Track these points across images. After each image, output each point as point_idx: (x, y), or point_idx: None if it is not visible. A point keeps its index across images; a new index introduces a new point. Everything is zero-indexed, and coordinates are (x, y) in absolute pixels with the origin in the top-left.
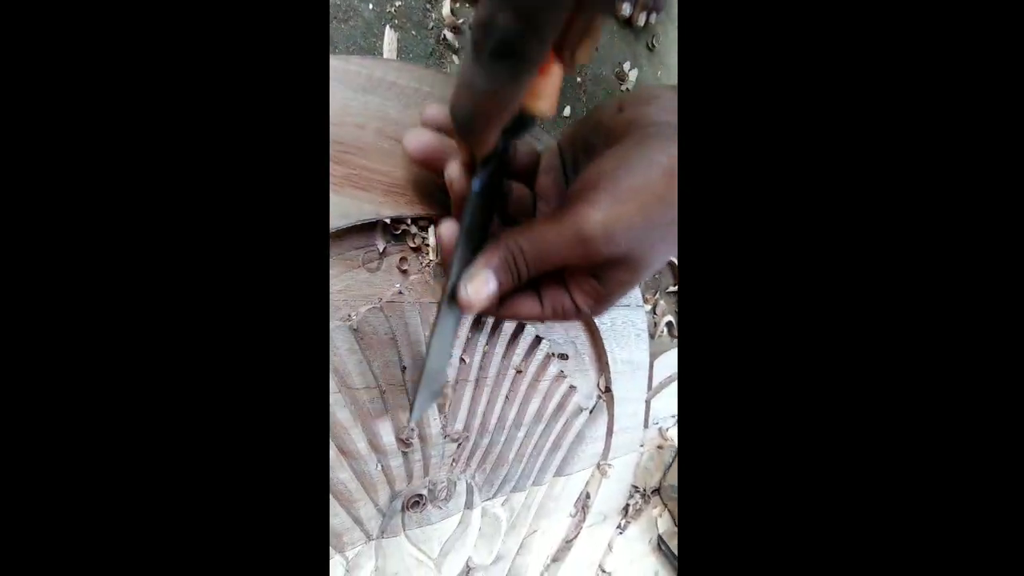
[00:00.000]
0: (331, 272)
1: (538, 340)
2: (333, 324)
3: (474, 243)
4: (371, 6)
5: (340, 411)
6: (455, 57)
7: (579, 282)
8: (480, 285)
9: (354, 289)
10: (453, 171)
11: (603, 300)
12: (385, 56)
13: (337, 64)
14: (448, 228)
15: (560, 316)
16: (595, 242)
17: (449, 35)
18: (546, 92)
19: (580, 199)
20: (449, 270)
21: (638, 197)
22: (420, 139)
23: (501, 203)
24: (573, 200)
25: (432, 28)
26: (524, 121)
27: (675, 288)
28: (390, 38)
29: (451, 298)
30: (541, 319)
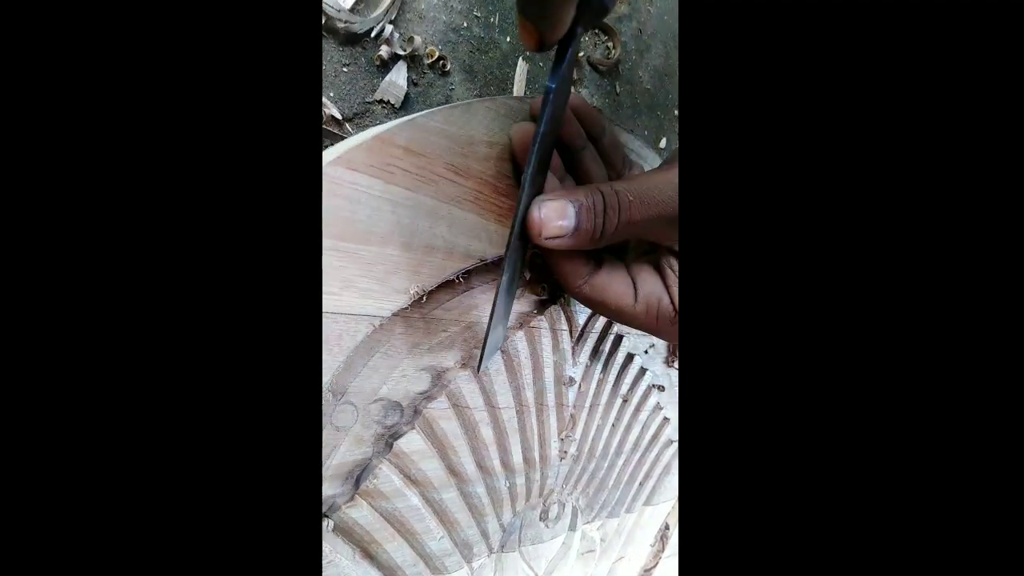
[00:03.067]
0: (485, 297)
1: (643, 371)
2: None
3: (547, 152)
4: (508, 39)
5: (484, 429)
6: (572, 88)
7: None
8: (557, 211)
9: None
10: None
11: None
12: (516, 85)
13: (512, 103)
14: (520, 128)
15: (653, 316)
16: None
17: None
18: None
19: None
20: (521, 190)
21: None
22: (525, 128)
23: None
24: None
25: None
26: (600, 1)
27: None
28: (521, 69)
29: (521, 226)
30: (632, 313)
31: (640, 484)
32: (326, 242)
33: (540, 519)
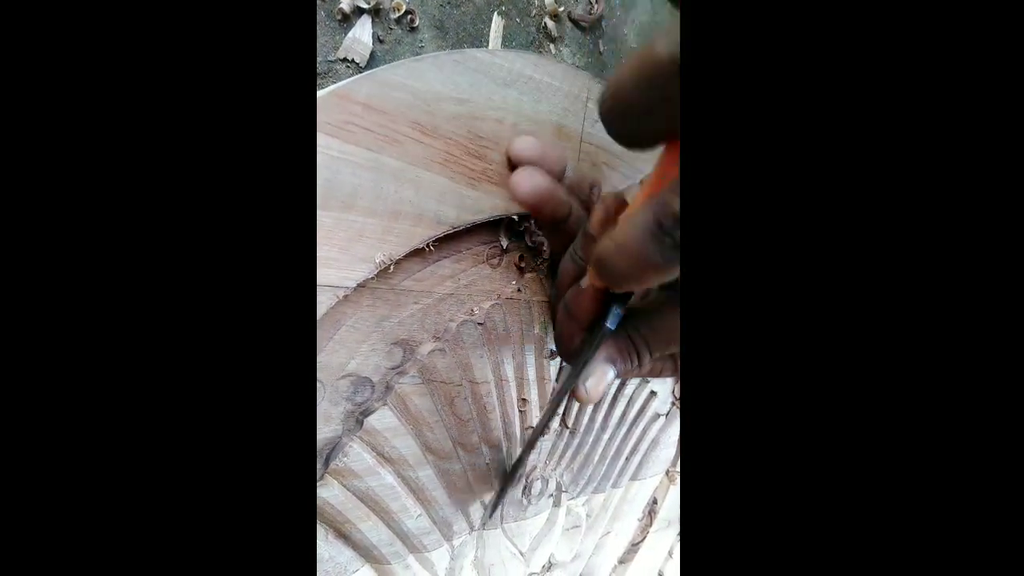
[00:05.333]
0: (459, 267)
1: None
2: (459, 318)
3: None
4: None
5: (461, 403)
6: (552, 46)
7: None
8: (599, 378)
9: (478, 284)
10: (585, 297)
11: None
12: (491, 42)
13: (483, 56)
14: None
15: (656, 374)
16: None
17: (550, 23)
18: None
19: None
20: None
21: None
22: (534, 182)
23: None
24: None
25: (534, 16)
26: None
27: None
28: (497, 24)
29: (570, 393)
30: (639, 376)
31: (627, 459)
32: None
33: (522, 495)
